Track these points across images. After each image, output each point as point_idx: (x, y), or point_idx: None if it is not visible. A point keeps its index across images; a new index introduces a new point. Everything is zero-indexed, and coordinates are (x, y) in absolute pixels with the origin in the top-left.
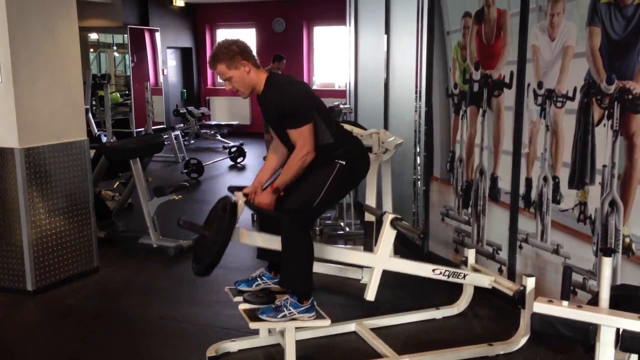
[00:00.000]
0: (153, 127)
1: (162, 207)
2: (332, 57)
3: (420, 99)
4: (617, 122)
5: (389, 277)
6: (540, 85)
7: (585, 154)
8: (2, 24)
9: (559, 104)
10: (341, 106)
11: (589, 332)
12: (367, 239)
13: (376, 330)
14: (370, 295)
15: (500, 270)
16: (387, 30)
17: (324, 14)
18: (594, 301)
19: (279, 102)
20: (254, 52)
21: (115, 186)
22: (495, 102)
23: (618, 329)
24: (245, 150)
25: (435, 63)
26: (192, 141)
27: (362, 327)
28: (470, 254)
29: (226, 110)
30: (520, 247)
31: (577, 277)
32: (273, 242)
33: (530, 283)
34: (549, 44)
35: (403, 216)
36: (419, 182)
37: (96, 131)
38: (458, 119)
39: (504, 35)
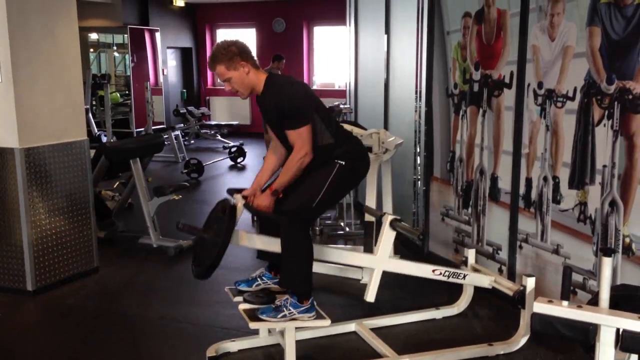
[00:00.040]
0: (153, 127)
1: (162, 207)
2: (332, 57)
3: (420, 99)
4: (617, 122)
5: (389, 277)
6: (540, 85)
7: (586, 154)
8: (2, 24)
9: (559, 104)
10: (341, 106)
11: (589, 332)
12: (367, 239)
13: (376, 330)
14: (370, 296)
15: (500, 270)
16: (387, 30)
17: (324, 14)
18: (594, 301)
19: (279, 102)
20: (254, 53)
21: (115, 186)
22: (495, 102)
23: (618, 329)
24: (245, 150)
25: (435, 63)
26: (192, 141)
27: (362, 327)
28: (470, 254)
29: (226, 110)
30: (520, 247)
31: (577, 277)
32: (272, 245)
33: (530, 283)
34: (549, 44)
35: (403, 216)
36: (419, 182)
37: (96, 131)
38: (458, 119)
39: (504, 35)
